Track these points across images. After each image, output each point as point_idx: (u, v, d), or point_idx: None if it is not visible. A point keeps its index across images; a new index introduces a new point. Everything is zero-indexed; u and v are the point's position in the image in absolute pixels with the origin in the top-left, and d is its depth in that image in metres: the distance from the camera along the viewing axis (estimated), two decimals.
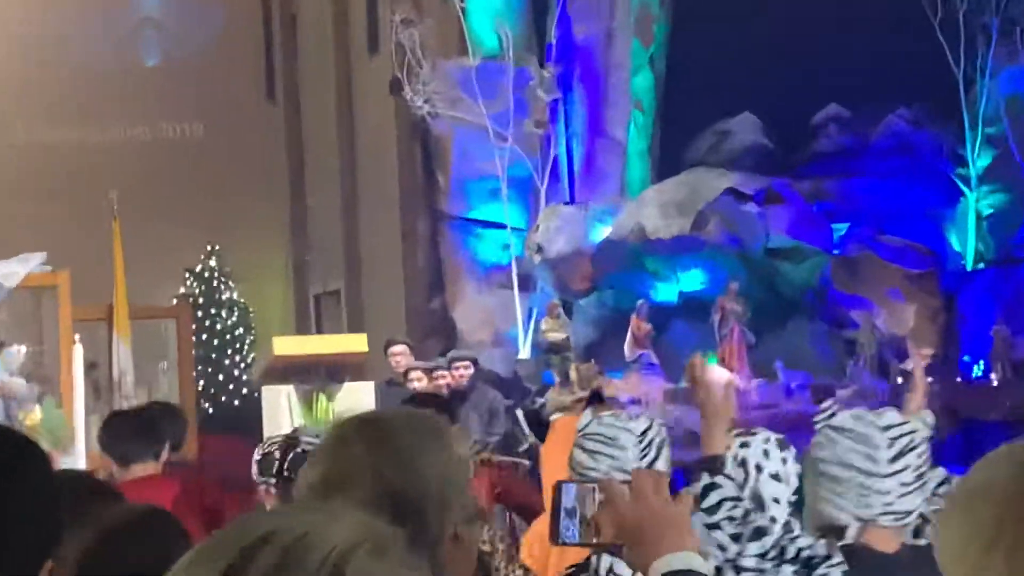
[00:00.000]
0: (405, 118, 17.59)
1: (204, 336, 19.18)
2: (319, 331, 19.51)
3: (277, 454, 5.62)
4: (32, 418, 11.01)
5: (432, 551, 2.27)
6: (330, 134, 19.39)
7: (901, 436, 3.47)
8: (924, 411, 3.91)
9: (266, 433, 13.38)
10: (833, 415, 3.61)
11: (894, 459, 3.44)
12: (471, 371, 13.74)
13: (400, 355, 14.38)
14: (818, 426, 3.59)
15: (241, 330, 19.79)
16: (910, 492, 3.44)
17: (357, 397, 13.68)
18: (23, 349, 11.52)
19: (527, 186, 17.23)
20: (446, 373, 13.77)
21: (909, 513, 3.44)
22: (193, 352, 17.56)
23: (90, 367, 14.52)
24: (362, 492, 2.24)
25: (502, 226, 17.04)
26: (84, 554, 3.23)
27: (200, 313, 19.13)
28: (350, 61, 19.16)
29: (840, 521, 3.47)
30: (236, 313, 19.84)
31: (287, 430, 6.63)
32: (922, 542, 3.52)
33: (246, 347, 19.71)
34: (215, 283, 19.86)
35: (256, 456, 5.77)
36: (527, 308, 16.76)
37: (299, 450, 5.51)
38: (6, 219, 18.79)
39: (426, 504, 2.28)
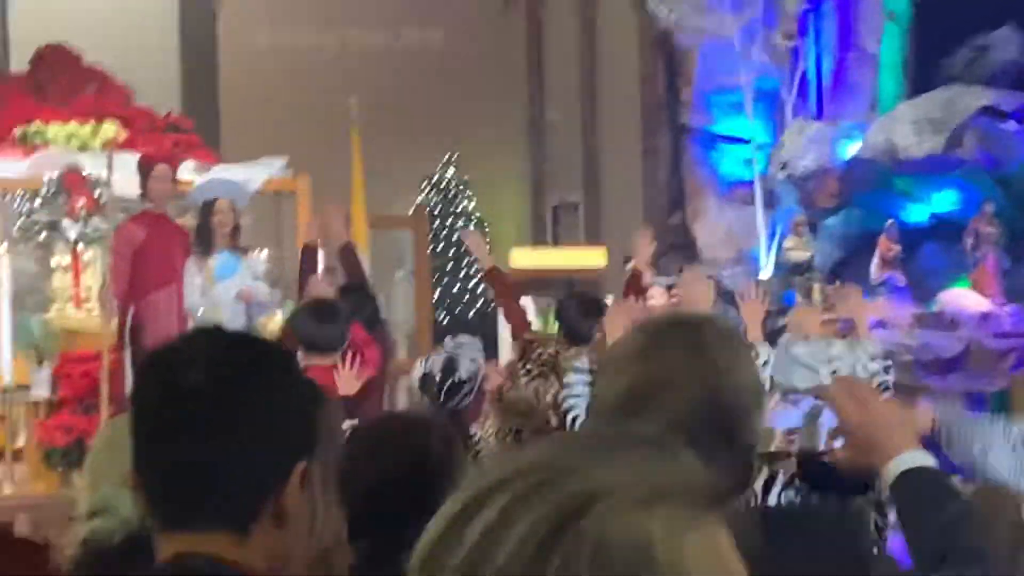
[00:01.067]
0: (648, 29, 17.22)
1: (440, 246, 19.12)
2: (556, 243, 19.33)
3: (437, 377, 6.00)
4: (274, 323, 11.04)
5: (741, 459, 2.23)
6: (571, 44, 19.09)
7: (842, 364, 4.30)
8: (868, 341, 4.58)
9: (501, 346, 13.35)
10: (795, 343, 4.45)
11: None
12: None
13: None
14: (782, 343, 4.45)
15: None
16: None
17: None
18: (265, 254, 11.52)
19: (773, 100, 16.76)
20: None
21: None
22: (429, 262, 17.54)
23: (326, 273, 14.53)
24: (679, 401, 2.17)
25: (746, 141, 16.62)
26: (347, 458, 3.21)
27: (437, 223, 19.07)
28: None
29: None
30: (473, 223, 19.73)
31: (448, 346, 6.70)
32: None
33: None
34: (452, 193, 19.77)
35: (418, 370, 6.12)
36: (770, 226, 16.34)
37: (456, 379, 6.00)
38: (248, 123, 18.94)
39: (739, 413, 2.24)
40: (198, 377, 1.98)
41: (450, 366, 6.07)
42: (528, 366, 5.48)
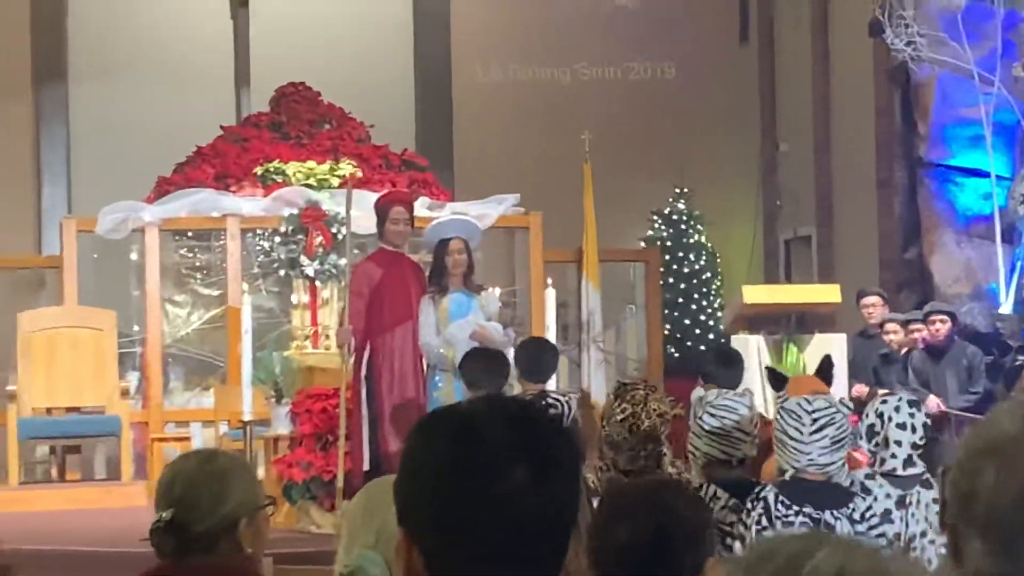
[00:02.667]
0: (884, 61, 16.97)
1: (671, 280, 19.07)
2: (788, 278, 19.13)
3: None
4: None
5: None
6: (804, 77, 18.91)
7: (822, 416, 5.51)
8: (844, 397, 6.20)
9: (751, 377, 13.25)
10: (786, 399, 5.87)
11: (814, 432, 5.50)
12: (948, 325, 13.26)
13: (874, 306, 14.00)
14: (777, 406, 5.82)
15: (708, 274, 19.59)
16: (827, 452, 5.50)
17: (827, 349, 13.36)
18: (498, 292, 11.62)
19: (1012, 133, 16.38)
20: (922, 326, 13.35)
21: (827, 465, 5.51)
22: (660, 296, 17.52)
23: (558, 308, 14.63)
24: None
25: (985, 174, 16.25)
26: (600, 517, 3.25)
27: (668, 257, 19.01)
28: (827, 1, 18.62)
29: (784, 468, 5.59)
30: (704, 257, 19.64)
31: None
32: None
33: (713, 292, 19.50)
34: (683, 226, 19.71)
35: None
36: (1010, 261, 15.96)
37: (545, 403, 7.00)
38: (481, 158, 19.14)
39: None
40: (524, 477, 1.96)
41: (542, 397, 7.17)
42: (623, 404, 6.28)
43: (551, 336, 11.91)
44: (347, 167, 15.25)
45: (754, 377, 12.87)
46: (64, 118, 18.60)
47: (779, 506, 5.43)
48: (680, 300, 19.23)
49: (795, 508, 5.43)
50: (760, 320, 13.68)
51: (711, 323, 19.11)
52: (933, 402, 12.58)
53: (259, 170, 15.38)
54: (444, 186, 16.63)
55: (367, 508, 3.27)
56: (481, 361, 8.67)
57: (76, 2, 18.86)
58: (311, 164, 15.31)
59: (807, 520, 5.41)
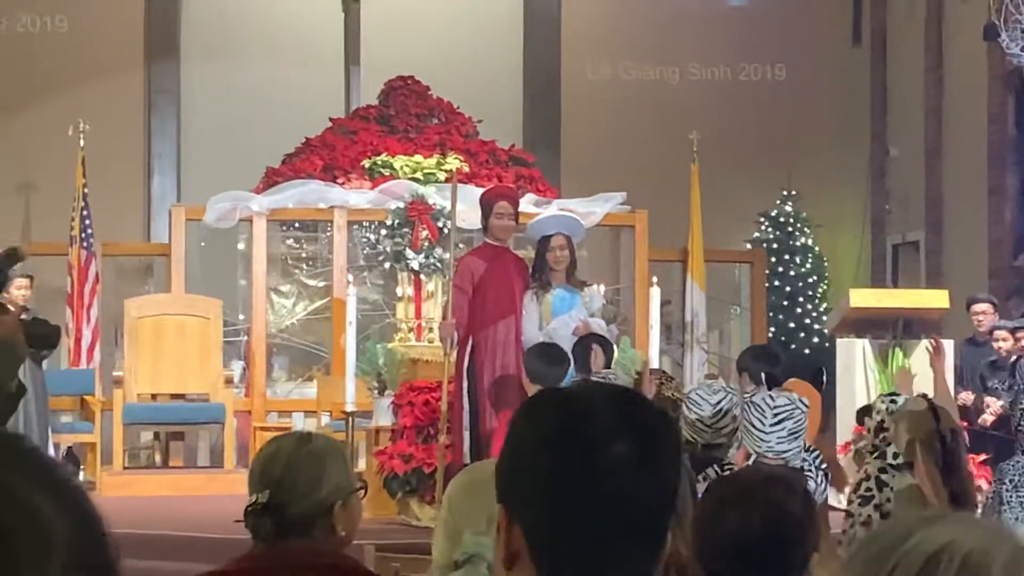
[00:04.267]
0: (998, 66, 16.75)
1: (777, 282, 18.93)
2: (895, 283, 18.94)
3: None
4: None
5: None
6: (916, 81, 18.71)
7: (782, 411, 6.35)
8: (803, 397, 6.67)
9: (839, 384, 13.16)
10: (754, 396, 6.59)
11: (774, 424, 6.34)
12: None
13: (984, 314, 13.82)
14: (746, 398, 6.62)
15: (815, 278, 19.43)
16: (784, 440, 6.35)
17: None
18: (602, 289, 11.58)
19: None
20: None
21: (784, 452, 6.35)
22: (765, 298, 17.42)
23: (662, 307, 14.58)
24: None
25: None
26: (707, 505, 3.23)
27: (774, 259, 18.88)
28: (942, 4, 18.39)
29: (750, 452, 6.41)
30: (810, 260, 19.48)
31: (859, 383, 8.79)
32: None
33: (819, 295, 19.34)
34: (790, 229, 19.55)
35: None
36: None
37: None
38: (588, 156, 19.10)
39: None
40: (628, 451, 1.95)
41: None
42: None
43: (655, 335, 11.83)
44: (454, 162, 15.28)
45: (859, 379, 12.84)
46: (175, 107, 18.78)
47: None
48: (785, 303, 19.09)
49: None
50: (866, 324, 13.54)
51: (816, 326, 18.95)
52: None
53: (367, 163, 15.45)
54: (551, 183, 16.62)
55: (474, 493, 3.23)
56: (540, 355, 9.06)
57: None
58: (418, 158, 15.37)
59: None
